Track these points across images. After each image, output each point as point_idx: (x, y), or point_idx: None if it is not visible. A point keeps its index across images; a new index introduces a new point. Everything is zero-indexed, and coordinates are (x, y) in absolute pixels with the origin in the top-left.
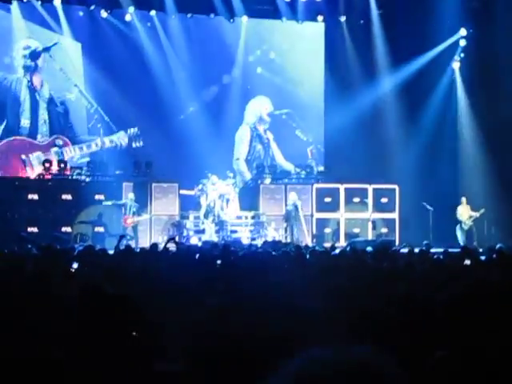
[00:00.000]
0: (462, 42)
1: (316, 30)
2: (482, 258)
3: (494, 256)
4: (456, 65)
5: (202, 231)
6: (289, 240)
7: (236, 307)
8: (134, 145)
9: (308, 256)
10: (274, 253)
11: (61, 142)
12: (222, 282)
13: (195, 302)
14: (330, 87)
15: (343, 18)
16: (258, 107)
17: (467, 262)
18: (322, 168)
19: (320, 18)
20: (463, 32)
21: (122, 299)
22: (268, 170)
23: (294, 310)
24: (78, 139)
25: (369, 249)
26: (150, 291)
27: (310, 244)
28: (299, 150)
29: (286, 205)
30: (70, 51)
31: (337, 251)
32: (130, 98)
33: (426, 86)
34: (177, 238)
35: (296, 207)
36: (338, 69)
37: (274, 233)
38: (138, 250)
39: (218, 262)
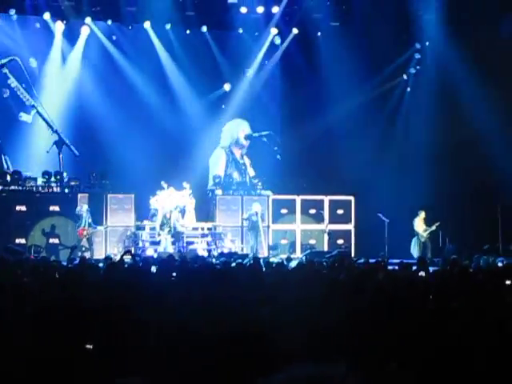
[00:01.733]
0: (417, 56)
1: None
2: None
3: (449, 267)
4: (409, 78)
5: (158, 243)
6: (246, 251)
7: (192, 320)
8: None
9: (264, 268)
10: (232, 264)
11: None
12: (178, 295)
13: (152, 315)
14: (286, 106)
15: (295, 31)
16: (235, 129)
17: (422, 273)
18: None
19: (274, 30)
20: (418, 45)
21: (77, 314)
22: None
23: (250, 322)
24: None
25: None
26: (107, 304)
27: (267, 255)
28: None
29: (248, 215)
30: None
31: (293, 263)
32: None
33: (381, 99)
34: (133, 250)
35: (256, 217)
36: (293, 86)
37: (231, 244)
38: (93, 262)
39: (174, 274)
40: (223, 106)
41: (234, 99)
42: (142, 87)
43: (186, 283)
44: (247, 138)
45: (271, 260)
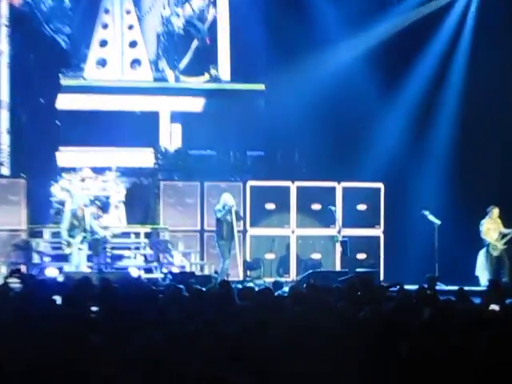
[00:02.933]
0: None
1: None
2: None
3: None
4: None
5: (65, 257)
6: (208, 271)
7: None
8: None
9: (238, 299)
10: (184, 293)
11: None
12: (101, 347)
13: None
14: (273, 44)
15: None
16: None
17: (494, 307)
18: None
19: None
20: None
21: None
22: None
23: None
24: None
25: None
26: None
27: (242, 277)
28: None
29: (214, 212)
30: None
31: (285, 289)
32: None
33: (421, 30)
34: (23, 269)
35: (230, 216)
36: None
37: (183, 259)
38: None
39: (94, 309)
40: None
41: None
42: None
43: (114, 326)
44: None
45: (249, 285)
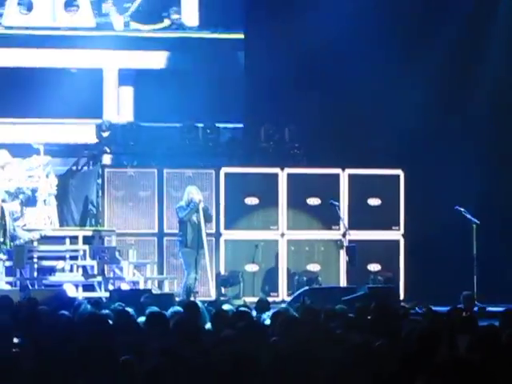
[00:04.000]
0: None
1: None
2: None
3: None
4: None
5: None
6: (169, 288)
7: None
8: None
9: (209, 325)
10: (136, 318)
11: None
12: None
13: None
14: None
15: None
16: None
17: None
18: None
19: None
20: None
21: None
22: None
23: None
24: None
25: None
26: None
27: (214, 297)
28: None
29: (176, 211)
30: None
31: (268, 315)
32: None
33: None
34: None
35: (197, 216)
36: None
37: (136, 273)
38: None
39: (16, 340)
40: None
41: None
42: None
43: (42, 364)
44: None
45: (225, 308)
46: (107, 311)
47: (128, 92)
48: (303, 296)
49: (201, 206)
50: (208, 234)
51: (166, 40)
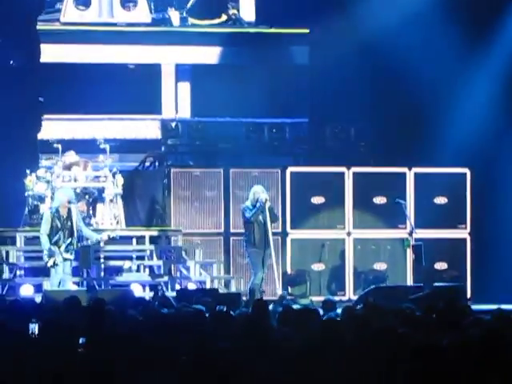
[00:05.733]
0: None
1: None
2: None
3: None
4: None
5: (45, 271)
6: (236, 288)
7: None
8: None
9: (276, 324)
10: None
11: None
12: None
13: None
14: None
15: None
16: None
17: None
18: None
19: None
20: None
21: None
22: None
23: None
24: None
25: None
26: None
27: (280, 297)
28: None
29: (242, 211)
30: None
31: (338, 312)
32: None
33: None
34: None
35: (263, 215)
36: None
37: (202, 272)
38: None
39: (81, 340)
40: None
41: None
42: None
43: (108, 363)
44: None
45: (292, 306)
46: (173, 310)
47: (185, 87)
48: (369, 294)
49: (267, 205)
50: (274, 234)
51: (223, 35)
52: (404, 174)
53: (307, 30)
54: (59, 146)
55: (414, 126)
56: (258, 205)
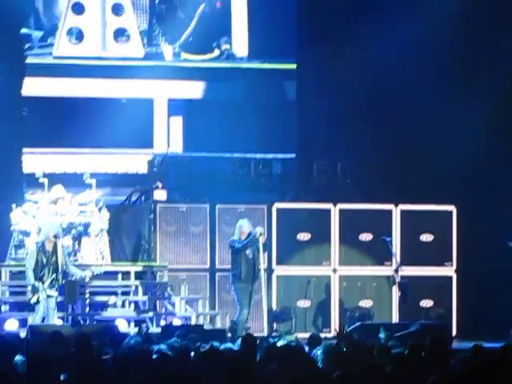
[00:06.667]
0: None
1: None
2: None
3: None
4: None
5: (30, 306)
6: (221, 324)
7: None
8: None
9: (259, 358)
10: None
11: None
12: None
13: None
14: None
15: None
16: None
17: None
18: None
19: None
20: None
21: None
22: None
23: None
24: None
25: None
26: None
27: (267, 333)
28: None
29: (230, 243)
30: None
31: (318, 352)
32: None
33: None
34: None
35: (253, 249)
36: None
37: (188, 308)
38: None
39: (62, 377)
40: None
41: None
42: None
43: None
44: None
45: (277, 344)
46: (162, 346)
47: (178, 122)
48: (355, 331)
49: (261, 238)
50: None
51: (215, 70)
52: (390, 211)
53: (295, 66)
54: (45, 180)
55: (401, 163)
56: (250, 237)
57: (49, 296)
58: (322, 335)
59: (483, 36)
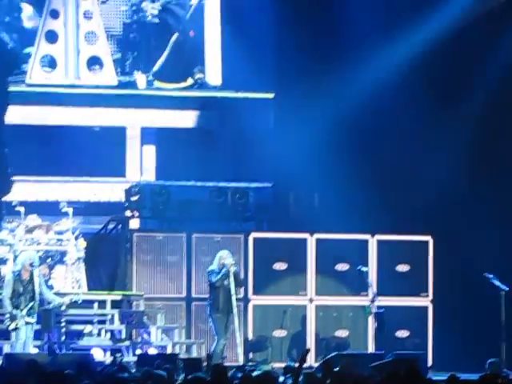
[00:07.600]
0: None
1: None
2: None
3: None
4: None
5: (6, 334)
6: (198, 353)
7: None
8: None
9: None
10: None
11: None
12: None
13: None
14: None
15: None
16: None
17: None
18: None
19: None
20: None
21: None
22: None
23: None
24: None
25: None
26: None
27: (242, 362)
28: None
29: (207, 274)
30: None
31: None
32: None
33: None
34: None
35: (228, 280)
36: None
37: (164, 337)
38: None
39: None
40: None
41: None
42: None
43: None
44: None
45: (253, 373)
46: (137, 374)
47: (150, 151)
48: (331, 361)
49: (232, 269)
50: (236, 299)
51: (188, 99)
52: (366, 241)
53: (272, 95)
54: (22, 209)
55: (377, 193)
56: (223, 270)
57: (26, 323)
58: (299, 365)
59: (459, 66)
